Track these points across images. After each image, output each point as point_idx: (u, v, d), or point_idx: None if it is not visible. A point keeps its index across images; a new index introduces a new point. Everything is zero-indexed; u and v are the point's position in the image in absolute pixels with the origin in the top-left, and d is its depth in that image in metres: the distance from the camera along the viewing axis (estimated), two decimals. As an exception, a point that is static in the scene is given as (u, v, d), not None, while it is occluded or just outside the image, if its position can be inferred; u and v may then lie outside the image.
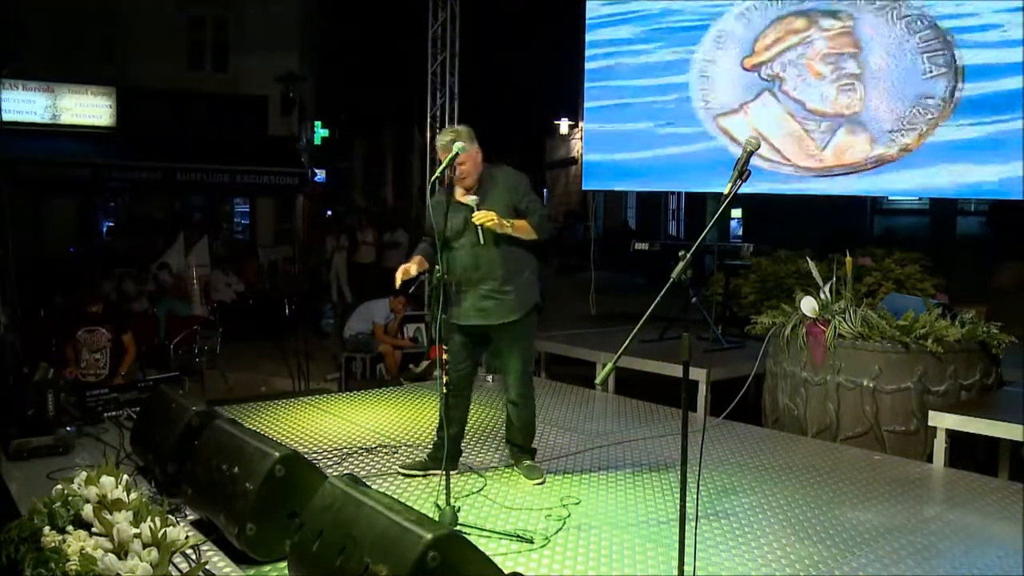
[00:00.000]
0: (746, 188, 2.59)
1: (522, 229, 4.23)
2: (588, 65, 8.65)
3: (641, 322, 2.59)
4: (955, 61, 6.79)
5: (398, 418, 5.80)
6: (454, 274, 4.30)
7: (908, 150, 6.98)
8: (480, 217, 4.12)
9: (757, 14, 7.69)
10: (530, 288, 4.38)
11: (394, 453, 4.91)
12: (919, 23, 6.94)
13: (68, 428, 5.03)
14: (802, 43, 7.44)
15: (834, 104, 7.31)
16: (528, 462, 4.54)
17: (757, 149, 2.56)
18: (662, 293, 2.54)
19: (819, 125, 7.37)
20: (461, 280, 4.32)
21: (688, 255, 2.49)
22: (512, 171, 4.42)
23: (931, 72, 6.90)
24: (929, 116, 6.90)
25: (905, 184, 7.15)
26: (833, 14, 7.33)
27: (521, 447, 4.57)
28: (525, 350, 4.45)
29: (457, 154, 4.11)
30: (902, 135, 7.01)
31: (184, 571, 2.93)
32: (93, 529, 2.96)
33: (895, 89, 7.06)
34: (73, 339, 7.00)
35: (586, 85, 8.72)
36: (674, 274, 2.49)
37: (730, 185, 2.55)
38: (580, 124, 10.07)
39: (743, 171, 2.55)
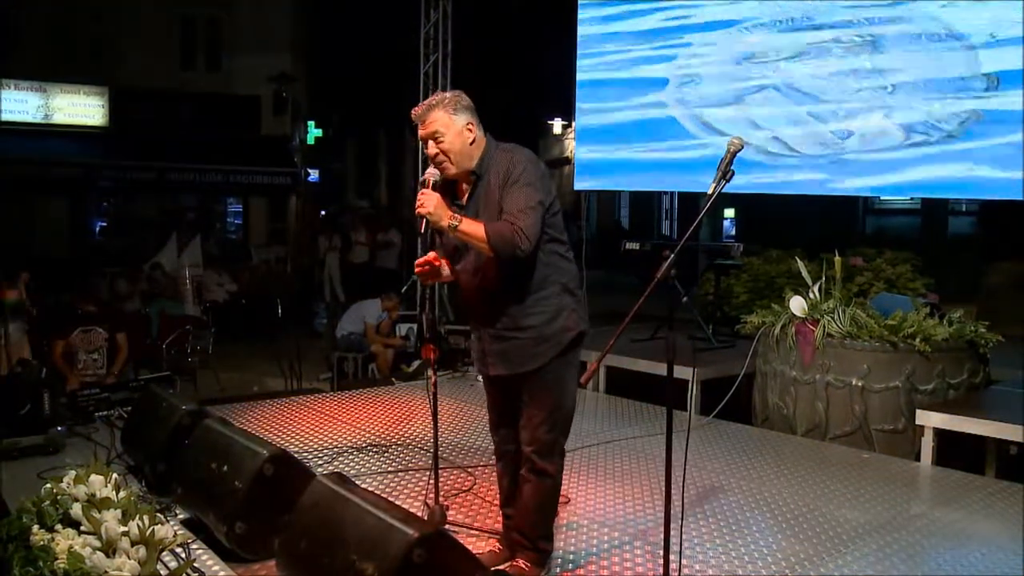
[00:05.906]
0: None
1: (474, 235, 2.94)
2: (580, 69, 8.57)
3: (625, 323, 2.61)
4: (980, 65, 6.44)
5: (389, 418, 5.82)
6: (464, 304, 3.31)
7: (951, 135, 6.48)
8: (419, 204, 2.95)
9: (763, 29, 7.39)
10: (559, 319, 3.11)
11: (384, 452, 4.93)
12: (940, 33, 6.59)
13: (59, 428, 5.04)
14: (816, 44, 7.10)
15: (856, 96, 6.87)
16: (521, 562, 3.17)
17: (741, 150, 2.58)
18: (646, 294, 2.56)
19: (839, 118, 6.95)
20: (468, 313, 3.30)
21: (672, 255, 2.51)
22: (513, 150, 3.08)
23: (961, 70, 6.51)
24: (970, 102, 6.43)
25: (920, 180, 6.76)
26: (850, 24, 6.95)
27: (523, 536, 3.20)
28: (554, 402, 3.26)
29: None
30: (936, 125, 6.57)
31: (173, 569, 2.94)
32: (81, 527, 2.97)
33: (923, 82, 6.64)
34: (66, 341, 6.95)
35: (578, 85, 8.69)
36: (659, 275, 2.51)
37: (713, 186, 2.57)
38: (573, 124, 10.04)
39: (727, 172, 2.57)
